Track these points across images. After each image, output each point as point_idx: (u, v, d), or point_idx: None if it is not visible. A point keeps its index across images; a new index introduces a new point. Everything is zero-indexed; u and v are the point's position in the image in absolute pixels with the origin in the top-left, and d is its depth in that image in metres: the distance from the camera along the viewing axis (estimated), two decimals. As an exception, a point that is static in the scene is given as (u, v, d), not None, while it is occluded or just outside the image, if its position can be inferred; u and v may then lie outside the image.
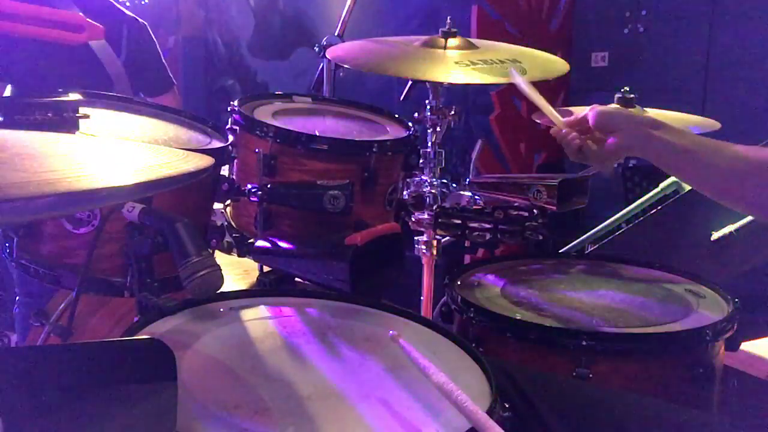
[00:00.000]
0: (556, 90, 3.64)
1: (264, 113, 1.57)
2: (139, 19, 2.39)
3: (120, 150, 0.83)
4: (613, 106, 1.75)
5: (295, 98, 1.74)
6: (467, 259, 2.40)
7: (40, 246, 1.27)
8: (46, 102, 1.14)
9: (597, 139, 1.26)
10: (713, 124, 1.96)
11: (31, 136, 0.80)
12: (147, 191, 0.94)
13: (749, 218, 2.06)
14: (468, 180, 1.71)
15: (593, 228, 2.49)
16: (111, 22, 2.17)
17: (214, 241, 1.39)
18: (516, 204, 1.58)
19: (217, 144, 1.39)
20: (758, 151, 1.15)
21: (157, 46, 2.47)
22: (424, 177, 1.60)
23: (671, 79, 3.40)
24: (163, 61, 2.49)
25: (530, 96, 1.35)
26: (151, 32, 2.43)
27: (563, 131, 1.30)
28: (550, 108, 1.35)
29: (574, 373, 1.21)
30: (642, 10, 3.51)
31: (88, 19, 1.19)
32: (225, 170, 1.49)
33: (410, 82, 1.78)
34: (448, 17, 1.59)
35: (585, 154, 1.28)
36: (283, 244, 1.46)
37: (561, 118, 1.33)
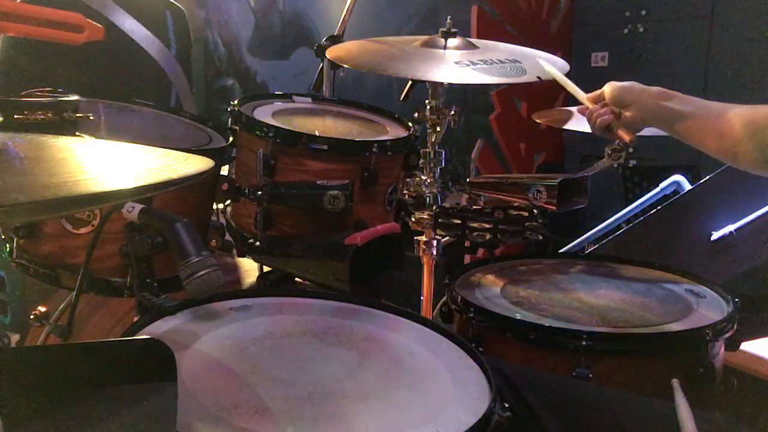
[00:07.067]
0: (556, 90, 3.64)
1: (264, 113, 1.57)
2: (179, 5, 2.05)
3: (120, 153, 0.82)
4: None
5: (295, 98, 1.74)
6: (467, 259, 2.40)
7: (40, 246, 1.27)
8: (46, 102, 1.14)
9: (615, 113, 1.35)
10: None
11: (32, 139, 0.80)
12: (147, 194, 0.94)
13: (749, 218, 2.06)
14: (468, 180, 1.71)
15: (593, 228, 2.50)
16: (153, 13, 1.92)
17: (214, 241, 1.39)
18: (516, 204, 1.58)
19: (217, 144, 1.39)
20: (753, 111, 1.19)
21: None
22: (424, 177, 1.60)
23: (671, 79, 3.39)
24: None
25: (559, 79, 1.45)
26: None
27: (591, 108, 1.39)
28: (576, 88, 1.44)
29: (574, 373, 1.21)
30: (642, 10, 3.51)
31: (88, 19, 1.19)
32: (225, 170, 1.49)
33: (410, 82, 1.78)
34: (448, 17, 1.58)
35: (610, 130, 1.36)
36: (283, 244, 1.46)
37: (585, 95, 1.42)
